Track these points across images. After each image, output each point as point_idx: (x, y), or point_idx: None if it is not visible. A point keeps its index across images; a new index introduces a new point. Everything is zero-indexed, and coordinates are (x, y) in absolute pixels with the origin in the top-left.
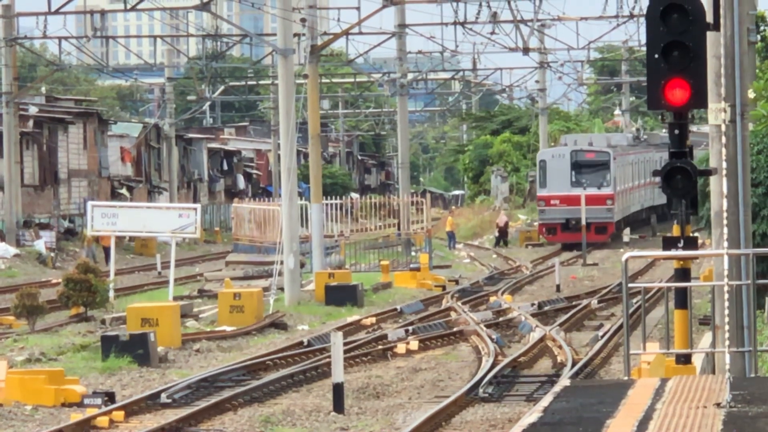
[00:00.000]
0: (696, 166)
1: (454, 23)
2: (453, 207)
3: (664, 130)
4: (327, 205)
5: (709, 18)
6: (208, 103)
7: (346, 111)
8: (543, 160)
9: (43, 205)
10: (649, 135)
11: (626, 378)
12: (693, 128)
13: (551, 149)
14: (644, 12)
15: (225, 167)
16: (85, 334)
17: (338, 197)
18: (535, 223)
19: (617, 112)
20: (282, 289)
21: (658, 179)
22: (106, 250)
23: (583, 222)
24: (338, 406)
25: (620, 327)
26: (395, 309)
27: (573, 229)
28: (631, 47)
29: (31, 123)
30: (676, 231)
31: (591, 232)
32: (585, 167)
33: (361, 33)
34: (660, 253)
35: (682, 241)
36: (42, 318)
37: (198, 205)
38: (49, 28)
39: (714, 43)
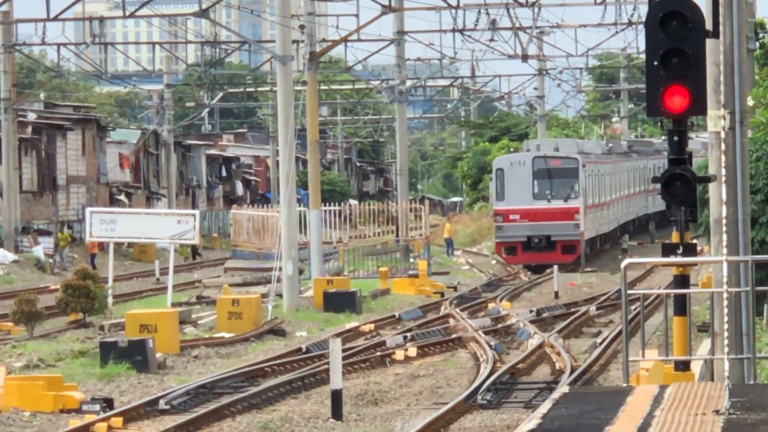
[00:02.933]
0: (695, 173)
1: (453, 30)
2: (451, 214)
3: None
4: (325, 211)
5: (709, 25)
6: (207, 109)
7: (344, 118)
8: (500, 168)
9: (42, 211)
10: (634, 142)
11: (625, 385)
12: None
13: (510, 155)
14: (643, 19)
15: (223, 174)
16: (84, 341)
17: (337, 204)
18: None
19: (616, 119)
20: (280, 295)
21: (637, 192)
22: (92, 257)
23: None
24: (336, 412)
25: (619, 334)
26: (394, 316)
27: (536, 249)
28: (629, 54)
29: (29, 129)
30: (675, 238)
31: (557, 251)
32: (549, 176)
33: (359, 40)
34: (659, 259)
35: (681, 248)
36: (40, 324)
37: (196, 212)
38: (47, 35)
39: (713, 51)
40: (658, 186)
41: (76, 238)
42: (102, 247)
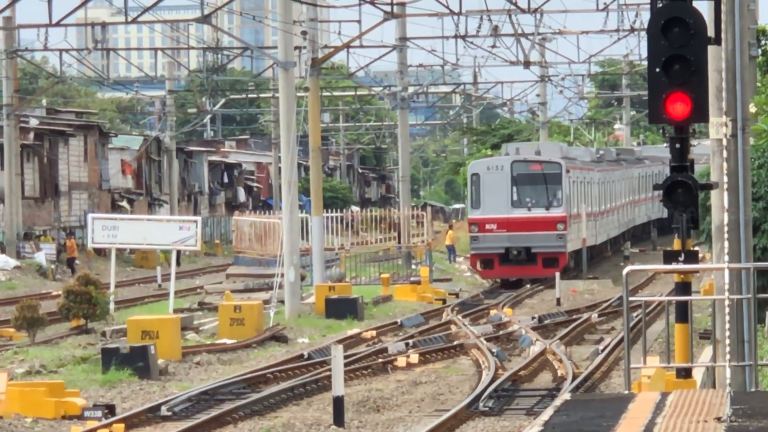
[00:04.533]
0: (697, 180)
1: (455, 37)
2: (453, 220)
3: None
4: (327, 218)
5: (711, 32)
6: (209, 115)
7: (346, 124)
8: (475, 173)
9: (44, 217)
10: (622, 150)
11: (627, 392)
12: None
13: (486, 159)
14: (645, 26)
15: (225, 180)
16: (86, 347)
17: (339, 210)
18: None
19: (618, 125)
20: (282, 301)
21: (627, 201)
22: (70, 261)
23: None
24: (338, 419)
25: (620, 341)
26: (395, 322)
27: (515, 262)
28: (631, 61)
29: (31, 135)
30: (676, 245)
31: (537, 264)
32: (530, 183)
33: (362, 46)
34: (661, 266)
35: (682, 255)
36: (42, 330)
37: (198, 218)
38: (49, 41)
39: (715, 57)
40: (647, 196)
41: (78, 245)
42: (102, 252)
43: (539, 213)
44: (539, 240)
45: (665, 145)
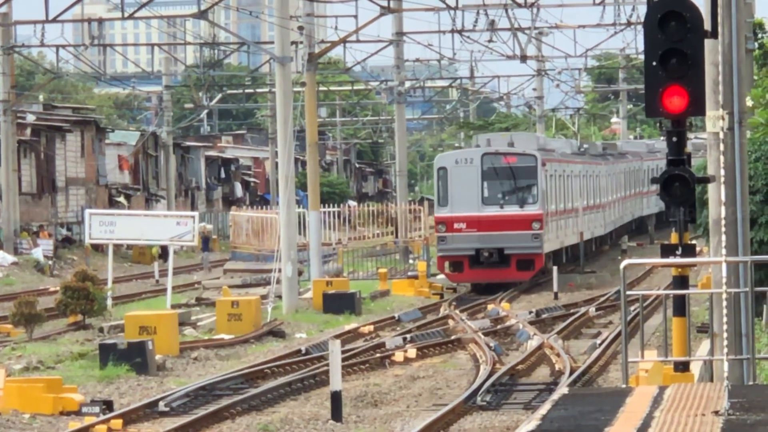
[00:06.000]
0: (694, 174)
1: (452, 31)
2: None
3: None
4: (325, 213)
5: (707, 26)
6: (206, 111)
7: (343, 119)
8: (442, 167)
9: (41, 213)
10: (607, 145)
11: (624, 386)
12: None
13: (454, 152)
14: (642, 20)
15: (223, 175)
16: (83, 343)
17: (336, 205)
18: None
19: (615, 119)
20: (280, 297)
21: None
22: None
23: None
24: (336, 414)
25: (618, 335)
26: (393, 317)
27: (486, 264)
28: (628, 55)
29: (28, 131)
30: (674, 238)
31: (511, 267)
32: (502, 177)
33: (358, 41)
34: (658, 260)
35: (680, 249)
36: (40, 326)
37: (196, 213)
38: (46, 36)
39: (712, 51)
40: (636, 192)
41: (75, 240)
42: (99, 248)
43: (513, 210)
44: (513, 240)
45: (661, 138)
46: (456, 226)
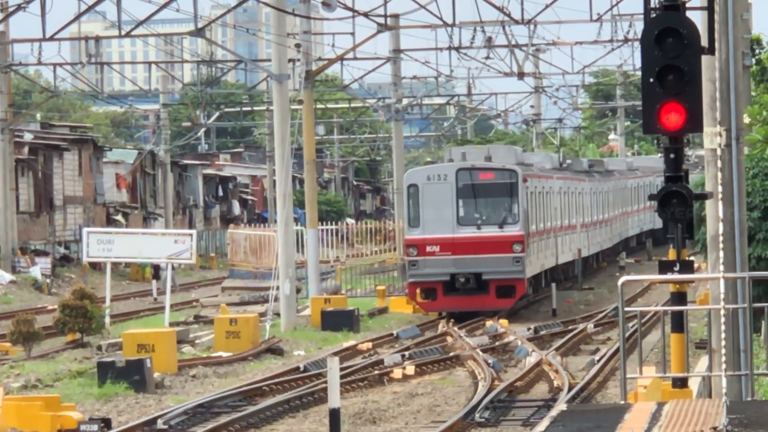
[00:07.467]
0: (692, 190)
1: (449, 48)
2: None
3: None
4: (322, 230)
5: (704, 42)
6: (203, 129)
7: (341, 136)
8: (413, 184)
9: (39, 231)
10: (594, 162)
11: (623, 402)
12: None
13: (426, 167)
14: (639, 36)
15: (220, 193)
16: (82, 361)
17: (334, 223)
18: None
19: (612, 136)
20: (278, 314)
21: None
22: None
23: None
24: (335, 431)
25: (616, 351)
26: (391, 334)
27: (463, 291)
28: (625, 71)
29: (26, 150)
30: (672, 255)
31: (490, 294)
32: (479, 195)
33: (355, 58)
34: (656, 276)
35: (678, 265)
36: (38, 344)
37: (193, 231)
38: (43, 55)
39: (709, 67)
40: (624, 211)
41: (73, 258)
42: (97, 266)
43: (491, 232)
44: (492, 264)
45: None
46: (429, 249)
